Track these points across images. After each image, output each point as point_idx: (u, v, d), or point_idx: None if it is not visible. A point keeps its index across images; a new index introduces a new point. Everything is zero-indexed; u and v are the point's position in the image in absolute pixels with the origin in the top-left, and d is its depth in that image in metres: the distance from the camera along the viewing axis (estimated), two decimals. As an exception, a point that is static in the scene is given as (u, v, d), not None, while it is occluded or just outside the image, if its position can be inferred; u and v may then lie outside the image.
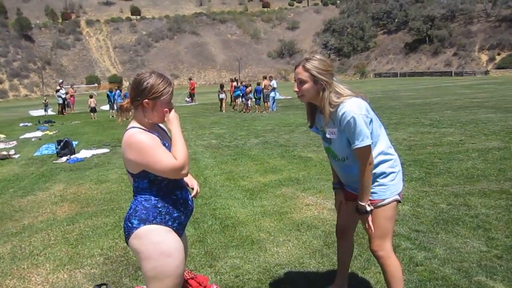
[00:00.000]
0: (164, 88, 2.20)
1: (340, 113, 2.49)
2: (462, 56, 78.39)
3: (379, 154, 2.62)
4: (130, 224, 2.24)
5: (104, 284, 3.41)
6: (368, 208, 2.59)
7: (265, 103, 20.79)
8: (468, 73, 68.97)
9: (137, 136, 2.15)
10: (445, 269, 3.44)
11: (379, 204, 2.63)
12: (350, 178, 2.72)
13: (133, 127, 2.22)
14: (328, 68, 2.54)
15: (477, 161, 7.19)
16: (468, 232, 4.20)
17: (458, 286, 3.17)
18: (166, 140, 2.32)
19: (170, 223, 2.25)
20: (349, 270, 3.33)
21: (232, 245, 4.24)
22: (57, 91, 25.68)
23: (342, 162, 2.69)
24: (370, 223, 2.62)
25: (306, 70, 2.51)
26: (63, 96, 25.06)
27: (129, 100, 2.28)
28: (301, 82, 2.55)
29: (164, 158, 2.13)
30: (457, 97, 22.62)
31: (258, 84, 21.35)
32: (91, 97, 23.39)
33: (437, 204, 5.10)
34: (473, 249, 3.79)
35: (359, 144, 2.46)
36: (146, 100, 2.19)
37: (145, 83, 2.18)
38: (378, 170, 2.62)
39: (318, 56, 2.59)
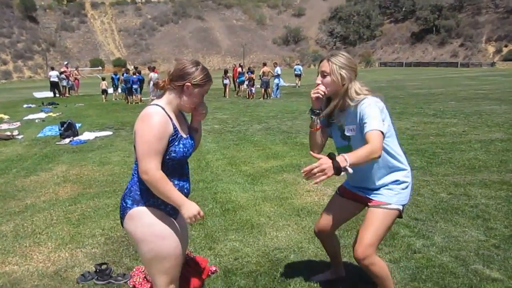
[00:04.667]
0: (207, 80, 2.26)
1: (360, 107, 2.47)
2: (469, 47, 77.90)
3: (396, 160, 2.61)
4: (124, 204, 2.25)
5: (105, 263, 3.46)
6: (342, 165, 2.20)
7: (264, 90, 20.52)
8: (474, 64, 68.55)
9: (153, 117, 2.13)
10: (442, 257, 3.46)
11: (382, 206, 2.60)
12: (360, 176, 2.66)
13: (157, 105, 2.20)
14: (352, 65, 2.55)
15: (479, 152, 7.19)
16: (467, 221, 4.22)
17: (455, 273, 3.19)
18: (183, 130, 2.30)
19: (162, 206, 2.24)
20: (349, 260, 3.39)
21: (232, 229, 4.27)
22: (61, 73, 25.61)
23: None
24: (323, 166, 2.18)
25: (331, 63, 2.52)
26: (56, 80, 24.81)
27: (168, 80, 2.25)
28: (324, 75, 2.54)
29: (149, 158, 2.11)
30: (462, 88, 22.51)
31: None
32: (103, 79, 23.40)
33: (437, 193, 5.12)
34: (471, 238, 3.81)
35: (371, 128, 2.36)
36: (189, 84, 2.20)
37: (193, 69, 2.22)
38: (392, 176, 2.61)
39: (342, 52, 2.60)
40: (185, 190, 2.34)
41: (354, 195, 2.81)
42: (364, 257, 2.56)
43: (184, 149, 2.25)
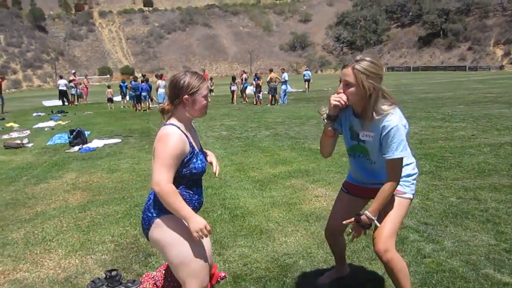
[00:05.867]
0: (200, 83, 2.35)
1: (385, 123, 2.41)
2: (477, 50, 77.47)
3: (408, 155, 2.64)
4: (150, 214, 2.35)
5: (115, 269, 3.48)
6: (372, 225, 2.53)
7: (271, 96, 20.57)
8: (482, 67, 68.19)
9: (171, 137, 2.25)
10: (452, 262, 3.44)
11: (398, 195, 2.64)
12: (371, 174, 2.68)
13: (172, 124, 2.32)
14: (379, 71, 2.39)
15: (489, 155, 7.14)
16: (477, 225, 4.19)
17: (465, 278, 3.17)
18: (196, 143, 2.43)
19: None
20: (357, 262, 3.41)
21: (241, 235, 4.28)
22: (70, 81, 25.85)
23: (370, 163, 2.62)
24: (356, 233, 2.61)
25: (356, 72, 2.35)
26: (64, 88, 25.04)
27: (168, 101, 2.39)
28: (347, 85, 2.41)
29: (161, 170, 2.22)
30: (470, 91, 22.38)
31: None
32: (108, 87, 23.61)
33: (447, 197, 5.09)
34: (481, 243, 3.78)
35: (394, 154, 2.38)
36: (186, 96, 2.32)
37: (181, 81, 2.33)
38: (405, 172, 2.63)
39: (368, 58, 2.39)
40: (202, 199, 2.49)
41: (361, 190, 2.81)
42: (385, 250, 2.53)
43: (202, 164, 2.39)
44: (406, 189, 2.68)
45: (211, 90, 26.34)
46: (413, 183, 2.72)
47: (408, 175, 2.69)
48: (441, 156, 7.25)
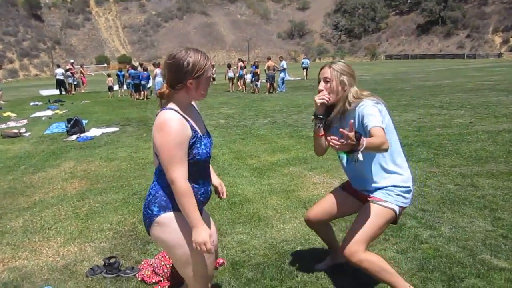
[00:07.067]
0: (206, 64, 2.09)
1: (358, 109, 2.53)
2: (475, 38, 77.25)
3: (395, 165, 2.62)
4: (150, 212, 2.19)
5: (114, 257, 3.49)
6: (361, 144, 2.18)
7: (269, 84, 20.56)
8: (481, 55, 68.07)
9: (170, 124, 2.04)
10: (449, 247, 3.46)
11: (377, 202, 2.60)
12: (360, 179, 2.70)
13: (169, 108, 2.10)
14: (351, 71, 2.66)
15: (487, 143, 7.16)
16: (474, 212, 4.21)
17: (462, 263, 3.19)
18: (199, 126, 2.21)
19: None
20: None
21: (239, 222, 4.29)
22: (67, 70, 25.70)
23: (355, 163, 2.61)
24: (347, 132, 2.13)
25: (332, 70, 2.64)
26: (61, 78, 24.91)
27: (167, 85, 2.13)
28: (326, 81, 2.65)
29: (173, 166, 2.04)
30: (468, 79, 22.36)
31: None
32: (109, 76, 23.57)
33: (444, 184, 5.11)
34: (478, 228, 3.81)
35: (373, 124, 2.39)
36: (190, 80, 2.07)
37: (185, 63, 2.05)
38: (390, 181, 2.61)
39: (342, 61, 2.79)
40: (209, 192, 2.33)
41: (355, 191, 2.82)
42: (349, 255, 2.54)
43: (206, 149, 2.19)
44: (388, 198, 2.59)
45: (213, 79, 26.25)
46: (399, 195, 2.60)
47: (395, 186, 2.61)
48: (439, 143, 7.26)
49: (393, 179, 2.61)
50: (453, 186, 5.01)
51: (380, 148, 2.31)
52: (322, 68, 2.70)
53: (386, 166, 2.61)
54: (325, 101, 2.63)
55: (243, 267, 3.34)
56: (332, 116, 2.69)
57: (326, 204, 2.97)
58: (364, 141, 2.19)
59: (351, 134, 2.11)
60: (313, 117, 2.74)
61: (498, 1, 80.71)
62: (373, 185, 2.64)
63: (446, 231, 3.79)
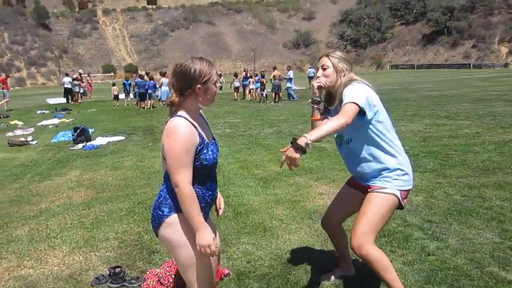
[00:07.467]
0: (211, 69, 2.22)
1: (344, 90, 2.63)
2: (481, 48, 77.07)
3: (390, 147, 2.65)
4: (160, 212, 2.21)
5: (119, 266, 3.49)
6: (303, 144, 2.27)
7: (275, 94, 20.65)
8: (487, 65, 67.86)
9: (179, 130, 2.11)
10: (457, 259, 3.43)
11: (376, 190, 2.63)
12: (356, 168, 2.75)
13: (179, 116, 2.18)
14: (348, 58, 2.83)
15: (493, 153, 7.11)
16: (482, 223, 4.17)
17: (469, 276, 3.16)
18: (206, 133, 2.29)
19: None
20: (361, 260, 3.34)
21: (244, 232, 4.28)
22: (74, 79, 25.91)
23: (347, 145, 2.75)
24: (288, 154, 2.27)
25: (330, 58, 2.79)
26: (69, 86, 25.15)
27: (177, 94, 2.22)
28: (324, 69, 2.78)
29: (178, 170, 2.10)
30: (475, 89, 22.29)
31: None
32: (113, 85, 23.77)
33: (451, 195, 5.07)
34: (486, 240, 3.77)
35: (345, 101, 2.51)
36: (199, 85, 2.18)
37: (192, 70, 2.17)
38: (385, 164, 2.64)
39: (339, 50, 2.94)
40: (216, 194, 2.39)
41: (359, 184, 2.85)
42: (357, 247, 2.56)
43: (213, 155, 2.24)
44: (386, 184, 2.63)
45: (220, 87, 26.40)
46: (396, 179, 2.63)
47: (387, 169, 2.64)
48: (445, 154, 7.22)
49: (388, 162, 2.65)
50: (460, 197, 4.98)
51: (335, 128, 2.38)
52: (320, 58, 2.86)
53: (379, 148, 2.65)
54: (322, 85, 2.77)
55: (249, 277, 3.32)
56: (336, 103, 2.76)
57: (337, 204, 3.06)
58: (307, 137, 2.28)
59: (295, 156, 2.26)
60: (309, 100, 2.89)
61: (504, 11, 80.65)
62: (368, 169, 2.69)
63: (453, 242, 3.75)
